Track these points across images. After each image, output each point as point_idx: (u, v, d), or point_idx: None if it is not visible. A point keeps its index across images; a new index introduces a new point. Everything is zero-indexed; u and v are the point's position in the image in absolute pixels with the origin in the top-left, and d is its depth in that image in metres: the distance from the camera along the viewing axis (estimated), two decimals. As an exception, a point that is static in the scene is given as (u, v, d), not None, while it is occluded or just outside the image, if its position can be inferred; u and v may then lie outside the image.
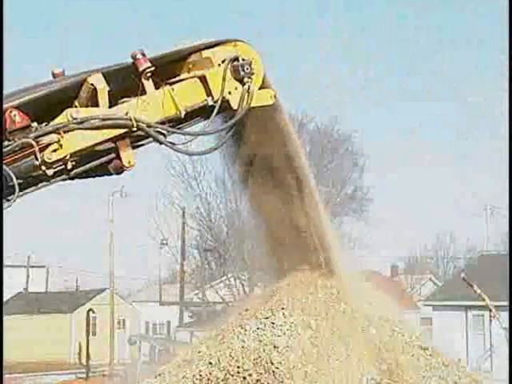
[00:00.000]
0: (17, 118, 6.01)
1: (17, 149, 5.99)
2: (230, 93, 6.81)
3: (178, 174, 40.61)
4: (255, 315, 8.43)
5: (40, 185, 6.33)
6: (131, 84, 6.48)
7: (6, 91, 6.18)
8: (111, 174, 6.64)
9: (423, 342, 8.83)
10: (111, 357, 44.81)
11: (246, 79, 6.84)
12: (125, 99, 6.51)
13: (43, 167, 6.13)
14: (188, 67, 6.93)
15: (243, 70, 6.83)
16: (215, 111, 6.75)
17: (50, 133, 6.09)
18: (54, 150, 6.11)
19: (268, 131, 7.92)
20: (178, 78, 6.85)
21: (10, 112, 6.01)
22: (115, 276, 49.15)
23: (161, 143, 6.61)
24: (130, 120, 6.32)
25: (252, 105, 6.92)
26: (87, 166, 6.44)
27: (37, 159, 6.05)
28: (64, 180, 6.43)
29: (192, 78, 6.82)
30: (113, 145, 6.44)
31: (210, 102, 6.78)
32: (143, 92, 6.50)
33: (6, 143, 5.98)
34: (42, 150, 6.07)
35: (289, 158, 8.19)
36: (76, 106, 6.38)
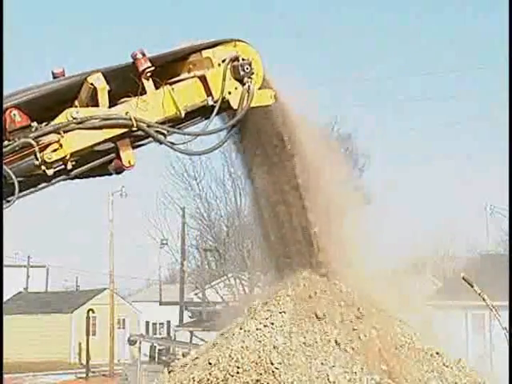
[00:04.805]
0: (17, 118, 6.01)
1: (17, 148, 5.99)
2: (230, 93, 6.81)
3: (178, 173, 40.51)
4: (255, 316, 8.41)
5: (40, 185, 6.33)
6: (131, 84, 6.47)
7: (5, 91, 6.18)
8: (111, 174, 6.64)
9: (423, 343, 8.82)
10: (111, 357, 44.80)
11: (245, 79, 6.84)
12: (125, 99, 6.51)
13: (43, 167, 6.12)
14: (188, 67, 6.92)
15: (243, 70, 6.82)
16: (215, 111, 6.74)
17: (50, 133, 6.10)
18: (54, 150, 6.11)
19: (268, 131, 7.89)
20: (178, 78, 6.84)
21: (10, 112, 6.01)
22: (115, 276, 49.19)
23: (161, 143, 6.61)
24: (130, 120, 6.32)
25: (252, 105, 6.92)
26: (87, 166, 6.43)
27: (37, 159, 6.05)
28: (64, 180, 6.43)
29: (192, 77, 6.81)
30: (113, 145, 6.43)
31: (210, 102, 6.78)
32: (143, 92, 6.50)
33: (6, 143, 5.98)
34: (42, 149, 6.07)
35: (288, 159, 8.16)
36: (76, 106, 6.38)
